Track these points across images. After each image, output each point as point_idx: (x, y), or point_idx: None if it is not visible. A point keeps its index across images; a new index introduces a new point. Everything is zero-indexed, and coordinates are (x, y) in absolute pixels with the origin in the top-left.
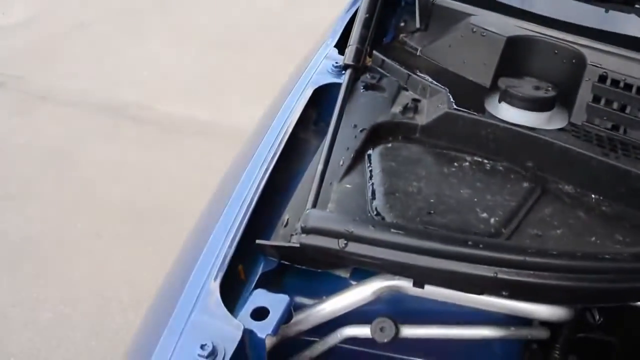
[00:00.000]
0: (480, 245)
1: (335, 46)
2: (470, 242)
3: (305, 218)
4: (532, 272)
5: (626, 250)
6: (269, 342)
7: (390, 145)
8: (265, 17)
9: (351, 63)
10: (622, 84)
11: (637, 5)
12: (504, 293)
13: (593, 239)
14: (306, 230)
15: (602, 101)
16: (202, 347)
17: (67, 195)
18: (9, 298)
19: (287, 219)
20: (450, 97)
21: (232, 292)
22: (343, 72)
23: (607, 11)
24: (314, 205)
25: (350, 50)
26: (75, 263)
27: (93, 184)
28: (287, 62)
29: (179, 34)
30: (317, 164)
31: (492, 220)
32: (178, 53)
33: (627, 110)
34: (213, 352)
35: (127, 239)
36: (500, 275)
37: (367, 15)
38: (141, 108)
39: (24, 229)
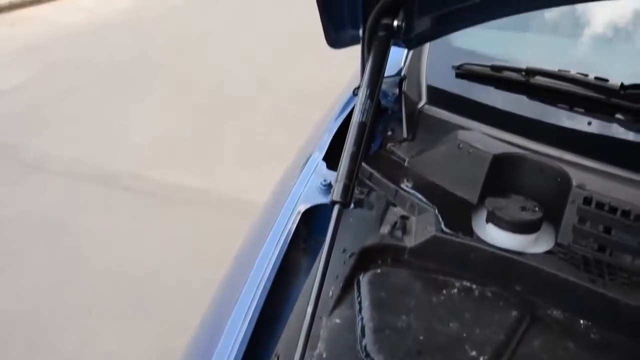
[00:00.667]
0: None
1: (323, 159)
2: None
3: None
4: None
5: None
6: None
7: (379, 270)
8: (257, 76)
9: (339, 200)
10: (607, 207)
11: (617, 116)
12: None
13: None
14: None
15: (588, 223)
16: None
17: (58, 268)
18: None
19: (278, 356)
20: (439, 216)
21: None
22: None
23: (590, 123)
24: (303, 354)
25: (338, 187)
26: (66, 339)
27: (85, 255)
28: (278, 125)
29: (170, 97)
30: (307, 298)
31: (481, 359)
32: (170, 117)
33: (613, 233)
34: None
35: (118, 313)
36: None
37: (354, 149)
38: (133, 177)
39: (15, 303)
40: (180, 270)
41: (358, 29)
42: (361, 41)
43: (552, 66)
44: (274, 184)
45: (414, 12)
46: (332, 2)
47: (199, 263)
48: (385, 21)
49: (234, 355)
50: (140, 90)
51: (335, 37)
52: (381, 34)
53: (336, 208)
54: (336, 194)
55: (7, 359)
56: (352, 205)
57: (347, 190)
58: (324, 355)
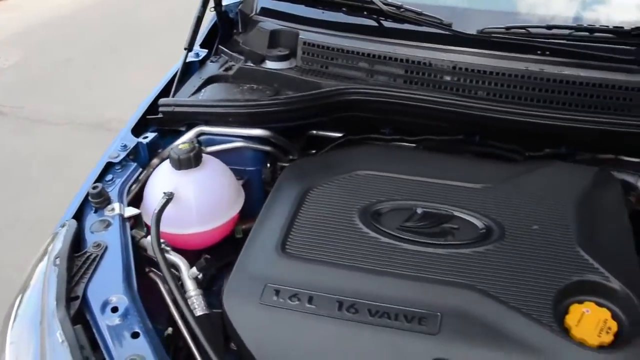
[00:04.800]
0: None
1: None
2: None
3: (162, 103)
4: None
5: None
6: None
7: (215, 84)
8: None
9: (187, 47)
10: (317, 46)
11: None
12: None
13: None
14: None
15: (306, 54)
16: None
17: (61, 187)
18: None
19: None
20: (248, 61)
21: None
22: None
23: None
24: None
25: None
26: None
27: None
28: None
29: (152, 65)
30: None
31: None
32: (142, 76)
33: (317, 56)
34: None
35: None
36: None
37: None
38: (120, 121)
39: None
40: None
41: None
42: None
43: None
44: None
45: None
46: None
47: None
48: None
49: None
50: (123, 62)
51: None
52: None
53: (185, 53)
54: (187, 44)
55: None
56: (210, 62)
57: (192, 44)
58: None
